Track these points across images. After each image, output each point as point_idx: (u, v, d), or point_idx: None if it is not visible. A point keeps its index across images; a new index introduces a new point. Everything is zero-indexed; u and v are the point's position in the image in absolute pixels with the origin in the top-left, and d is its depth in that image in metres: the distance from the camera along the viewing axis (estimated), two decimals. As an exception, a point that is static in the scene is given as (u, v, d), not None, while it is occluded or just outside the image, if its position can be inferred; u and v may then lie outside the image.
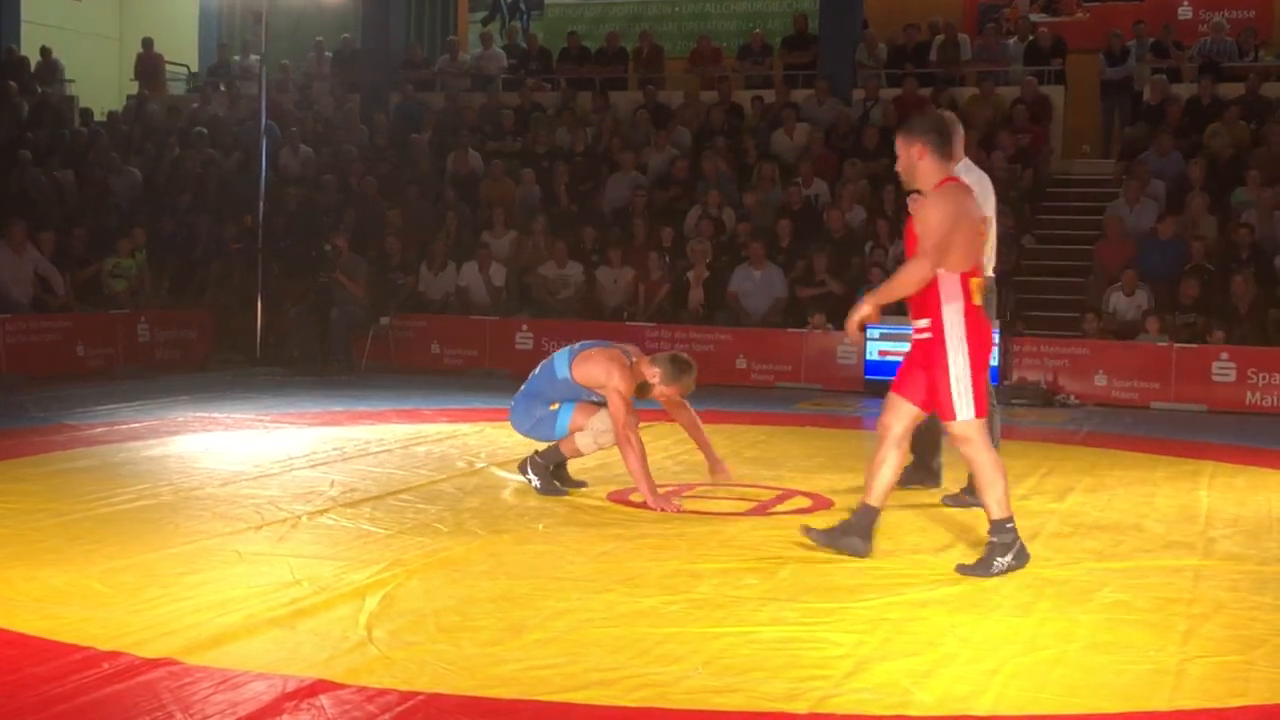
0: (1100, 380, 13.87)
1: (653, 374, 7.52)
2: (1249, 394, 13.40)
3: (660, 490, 7.45)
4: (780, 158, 17.34)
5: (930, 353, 6.05)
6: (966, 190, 6.14)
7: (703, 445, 7.88)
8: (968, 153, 16.98)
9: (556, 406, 7.71)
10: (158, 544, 6.23)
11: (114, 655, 4.55)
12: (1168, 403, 13.55)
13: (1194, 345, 13.68)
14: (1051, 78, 18.50)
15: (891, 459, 6.19)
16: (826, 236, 15.50)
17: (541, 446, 7.84)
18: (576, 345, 7.77)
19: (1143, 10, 20.09)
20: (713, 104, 18.81)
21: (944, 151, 6.09)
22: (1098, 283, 14.89)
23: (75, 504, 7.12)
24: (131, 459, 8.76)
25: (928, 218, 5.96)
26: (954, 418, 6.03)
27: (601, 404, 7.62)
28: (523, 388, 7.92)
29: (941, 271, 5.96)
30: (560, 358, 7.71)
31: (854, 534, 6.22)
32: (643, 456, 7.39)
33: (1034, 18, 20.18)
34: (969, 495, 7.79)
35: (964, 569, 6.06)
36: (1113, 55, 18.38)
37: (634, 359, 7.58)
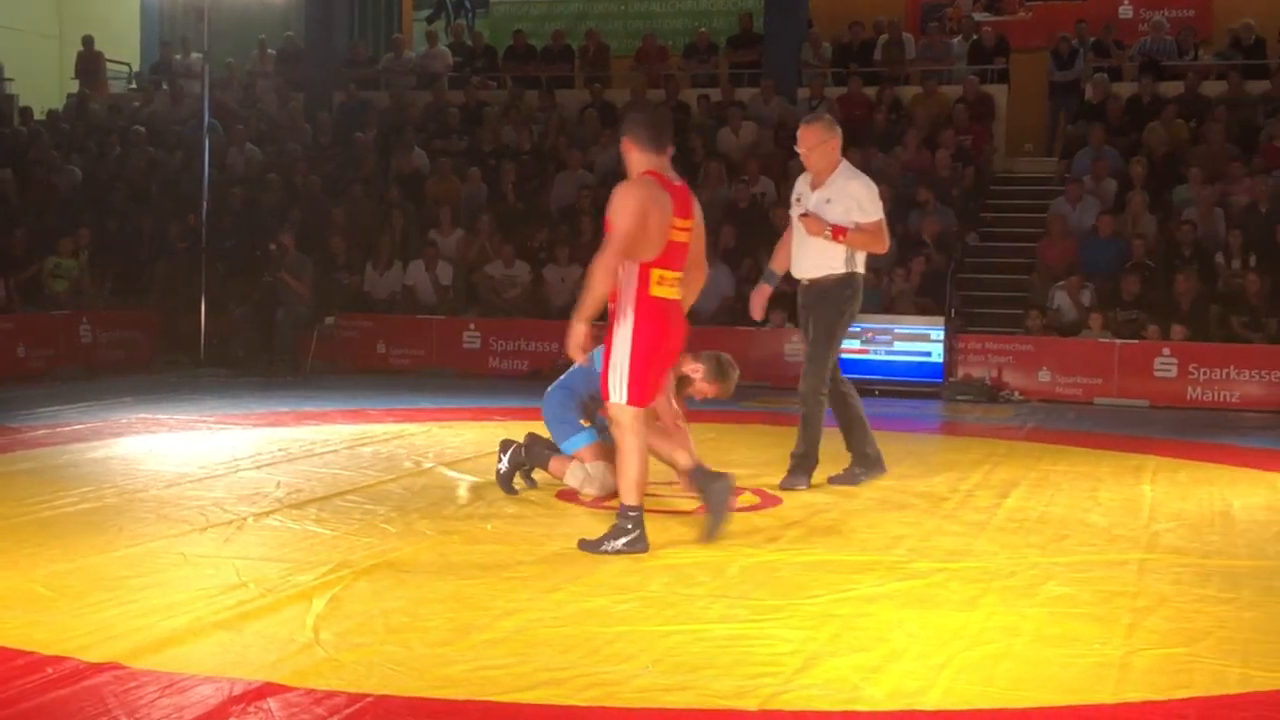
0: (1044, 376, 14.01)
1: (695, 369, 7.43)
2: (1190, 389, 13.56)
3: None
4: (727, 156, 17.38)
5: (609, 335, 6.26)
6: (662, 183, 6.26)
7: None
8: (910, 153, 17.19)
9: (588, 424, 7.58)
10: (102, 547, 6.17)
11: (58, 660, 4.50)
12: (1110, 398, 13.70)
13: (1136, 341, 13.84)
14: (995, 76, 18.64)
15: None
16: (774, 234, 15.52)
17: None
18: None
19: (1085, 9, 20.25)
20: (659, 103, 18.80)
21: (650, 145, 6.32)
22: (1041, 280, 15.02)
23: (17, 507, 7.03)
24: (75, 461, 8.67)
25: (618, 207, 6.15)
26: (608, 399, 6.27)
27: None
28: (561, 378, 7.76)
29: (625, 261, 6.14)
30: (599, 352, 7.62)
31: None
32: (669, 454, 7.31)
33: (977, 16, 20.31)
34: (858, 471, 7.97)
35: (583, 544, 6.27)
36: (1060, 58, 18.52)
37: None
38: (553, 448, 7.73)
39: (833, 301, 7.84)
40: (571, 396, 7.63)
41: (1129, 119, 17.07)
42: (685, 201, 6.32)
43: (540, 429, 7.85)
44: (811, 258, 7.84)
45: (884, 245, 7.93)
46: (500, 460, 7.74)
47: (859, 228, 7.71)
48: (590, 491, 7.47)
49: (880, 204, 7.86)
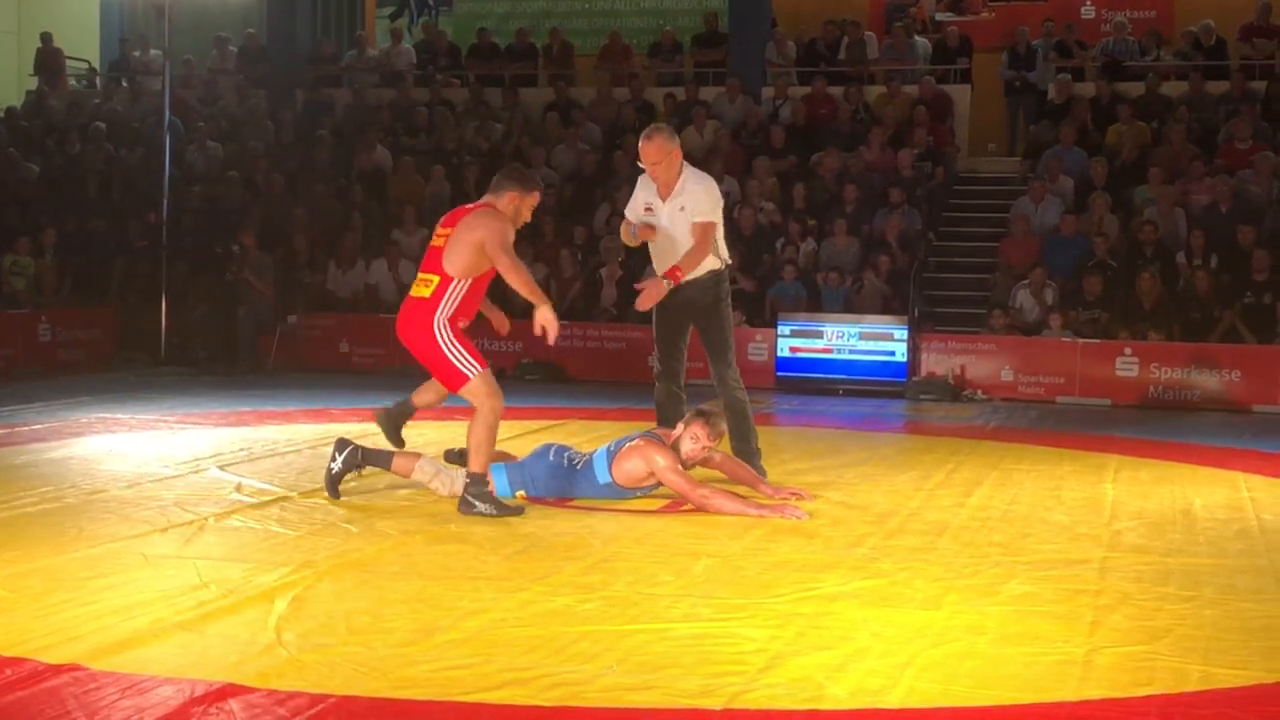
0: (1007, 375, 14.07)
1: (695, 435, 7.26)
2: (1151, 388, 13.64)
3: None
4: (691, 155, 17.30)
5: None
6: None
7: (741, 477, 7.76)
8: (874, 153, 17.20)
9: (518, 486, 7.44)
10: (62, 548, 6.12)
11: (17, 661, 4.46)
12: (1073, 397, 13.77)
13: (1098, 340, 13.92)
14: (958, 76, 18.71)
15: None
16: (737, 234, 15.55)
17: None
18: (611, 445, 7.42)
19: (1047, 10, 20.34)
20: (624, 101, 18.81)
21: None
22: (1004, 279, 15.09)
23: (-25, 508, 6.97)
24: (34, 461, 8.60)
25: None
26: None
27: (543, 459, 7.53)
28: (568, 457, 7.52)
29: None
30: (599, 462, 7.37)
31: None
32: (731, 497, 7.23)
33: (940, 16, 20.37)
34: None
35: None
36: (1017, 54, 18.57)
37: (666, 440, 7.33)
38: (395, 454, 7.58)
39: (715, 298, 8.05)
40: (547, 471, 7.44)
41: (1091, 119, 17.14)
42: (453, 214, 7.26)
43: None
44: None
45: (709, 245, 7.93)
46: (334, 460, 7.39)
47: (689, 247, 7.79)
48: (435, 486, 7.37)
49: (719, 205, 8.02)
